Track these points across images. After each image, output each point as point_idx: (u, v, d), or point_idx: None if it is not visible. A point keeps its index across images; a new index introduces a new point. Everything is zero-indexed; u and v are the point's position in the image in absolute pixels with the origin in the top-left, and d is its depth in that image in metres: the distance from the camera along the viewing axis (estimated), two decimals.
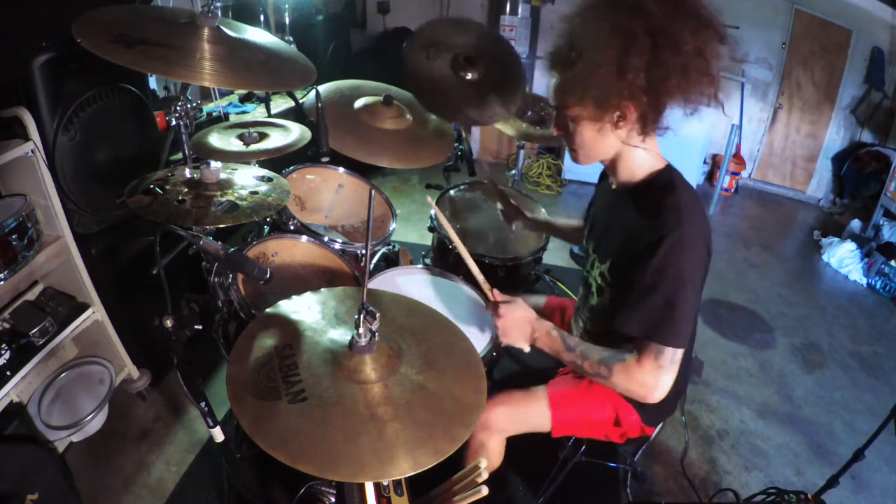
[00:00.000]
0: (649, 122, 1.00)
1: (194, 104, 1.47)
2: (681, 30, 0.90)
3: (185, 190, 1.21)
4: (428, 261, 1.94)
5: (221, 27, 1.25)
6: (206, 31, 1.21)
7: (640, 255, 1.00)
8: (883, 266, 3.23)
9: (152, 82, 2.26)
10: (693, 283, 0.98)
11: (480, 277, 1.22)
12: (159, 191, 1.17)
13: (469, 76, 1.73)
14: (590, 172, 4.09)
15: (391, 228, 1.81)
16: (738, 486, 1.85)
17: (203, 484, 1.70)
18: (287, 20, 3.07)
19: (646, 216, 1.03)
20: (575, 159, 1.12)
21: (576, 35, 0.99)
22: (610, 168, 1.13)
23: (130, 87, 1.77)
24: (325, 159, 1.69)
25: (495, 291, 1.20)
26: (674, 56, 0.90)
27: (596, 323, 1.23)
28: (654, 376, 0.99)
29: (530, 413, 1.26)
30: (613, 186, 1.17)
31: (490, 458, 1.24)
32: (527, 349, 1.17)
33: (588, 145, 1.06)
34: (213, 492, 1.66)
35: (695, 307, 1.01)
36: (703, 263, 1.02)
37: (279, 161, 1.67)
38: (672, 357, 0.98)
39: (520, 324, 1.15)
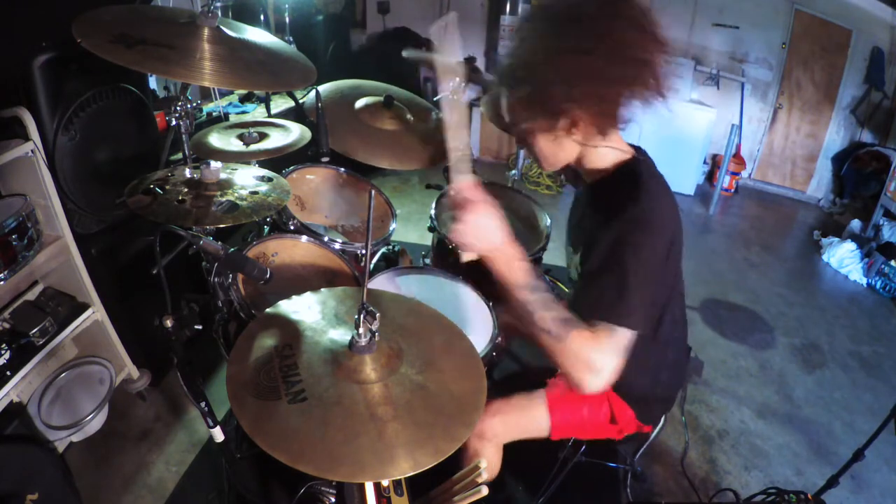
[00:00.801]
0: (605, 124, 0.99)
1: (194, 104, 1.46)
2: (614, 27, 0.89)
3: (185, 190, 1.20)
4: (428, 261, 1.94)
5: (221, 27, 1.25)
6: (206, 31, 1.21)
7: (597, 241, 0.99)
8: (883, 266, 3.23)
9: (152, 82, 2.25)
10: (649, 266, 0.95)
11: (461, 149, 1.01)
12: (159, 191, 1.17)
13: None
14: None
15: (391, 228, 1.81)
16: (738, 486, 1.86)
17: (203, 484, 1.70)
18: (287, 20, 3.07)
19: (609, 203, 1.02)
20: (541, 167, 1.13)
21: (512, 52, 1.00)
22: (578, 167, 1.14)
23: (130, 87, 1.77)
24: (325, 159, 1.69)
25: (478, 181, 0.99)
26: (600, 60, 0.90)
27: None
28: (604, 357, 0.92)
29: (528, 419, 1.27)
30: (586, 182, 1.17)
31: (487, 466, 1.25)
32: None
33: (547, 154, 1.07)
34: (213, 492, 1.66)
35: (653, 292, 0.99)
36: (663, 249, 0.98)
37: (279, 161, 1.67)
38: (623, 340, 0.93)
39: (484, 233, 0.95)
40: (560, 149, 1.05)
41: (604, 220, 0.99)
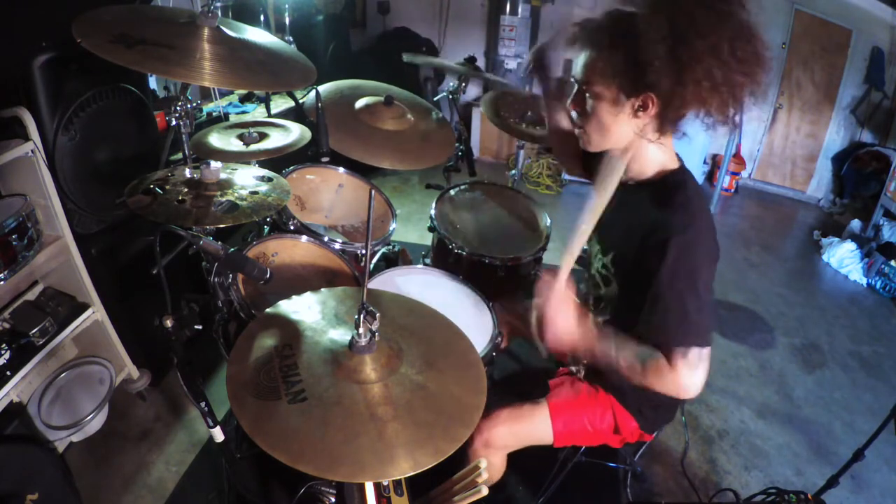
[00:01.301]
0: (668, 120, 0.99)
1: (194, 104, 1.46)
2: (722, 36, 0.89)
3: (185, 190, 1.20)
4: (428, 261, 1.94)
5: (221, 27, 1.25)
6: (206, 31, 1.21)
7: (649, 256, 1.00)
8: (883, 266, 3.23)
9: (152, 82, 2.25)
10: (705, 281, 0.99)
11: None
12: (159, 191, 1.17)
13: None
14: None
15: (391, 228, 1.81)
16: (738, 486, 1.85)
17: (203, 484, 1.70)
18: (287, 20, 3.07)
19: (655, 213, 1.03)
20: (585, 144, 1.10)
21: (620, 18, 0.97)
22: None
23: (130, 87, 1.76)
24: (325, 159, 1.69)
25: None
26: (710, 59, 0.89)
27: (605, 311, 1.24)
28: (687, 376, 0.98)
29: (533, 428, 1.27)
30: (623, 180, 1.14)
31: (491, 472, 1.24)
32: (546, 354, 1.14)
33: (603, 128, 1.05)
34: (213, 492, 1.66)
35: (711, 303, 1.01)
36: (713, 260, 1.03)
37: (279, 161, 1.67)
38: (700, 355, 0.98)
39: (567, 326, 1.06)
40: (616, 127, 1.04)
41: (656, 239, 0.99)
